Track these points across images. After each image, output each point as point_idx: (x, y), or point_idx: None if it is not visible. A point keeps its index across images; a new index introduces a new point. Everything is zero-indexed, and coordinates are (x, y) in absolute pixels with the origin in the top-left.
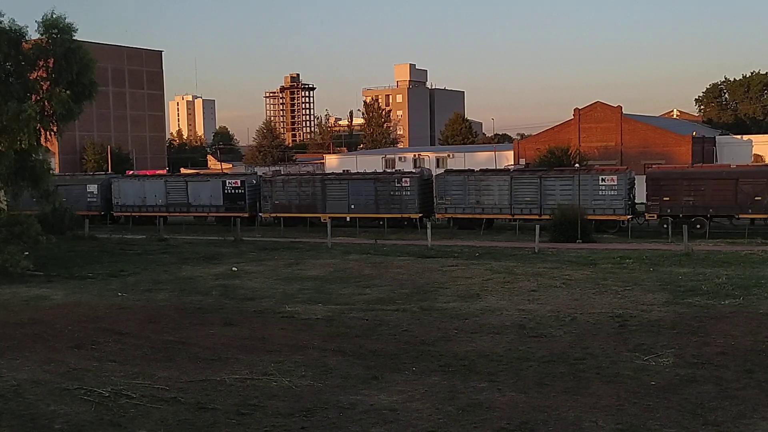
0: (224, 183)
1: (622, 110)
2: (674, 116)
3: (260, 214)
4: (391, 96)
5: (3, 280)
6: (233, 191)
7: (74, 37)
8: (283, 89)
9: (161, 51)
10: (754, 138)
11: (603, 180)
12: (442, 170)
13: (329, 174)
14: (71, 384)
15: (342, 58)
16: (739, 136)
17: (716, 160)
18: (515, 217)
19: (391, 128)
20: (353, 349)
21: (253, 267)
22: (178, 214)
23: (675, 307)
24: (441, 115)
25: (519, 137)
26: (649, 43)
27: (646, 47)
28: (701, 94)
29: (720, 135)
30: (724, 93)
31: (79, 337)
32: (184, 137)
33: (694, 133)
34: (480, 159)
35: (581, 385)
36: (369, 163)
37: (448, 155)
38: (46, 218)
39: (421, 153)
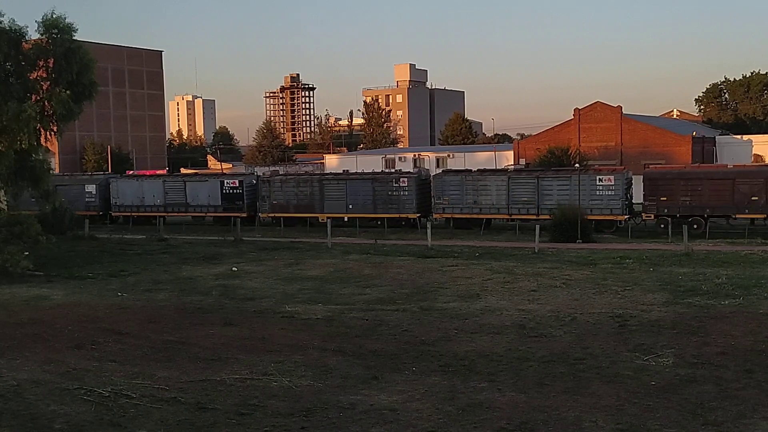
0: (222, 183)
1: (622, 110)
2: (674, 116)
3: (258, 214)
4: (391, 96)
5: (3, 280)
6: (231, 191)
7: (74, 37)
8: (283, 89)
9: (161, 51)
10: (754, 138)
11: (600, 180)
12: (441, 170)
13: (327, 174)
14: (71, 384)
15: (342, 58)
16: (739, 136)
17: (716, 160)
18: (513, 217)
19: (391, 128)
20: (353, 349)
21: (253, 267)
22: (176, 214)
23: (675, 307)
24: (441, 115)
25: (519, 137)
26: (649, 43)
27: (646, 47)
28: (701, 94)
29: (720, 135)
30: (724, 93)
31: (79, 337)
32: (184, 137)
33: (694, 133)
34: (480, 159)
35: (581, 385)
36: (369, 163)
37: (448, 155)
38: (46, 218)
39: (421, 153)
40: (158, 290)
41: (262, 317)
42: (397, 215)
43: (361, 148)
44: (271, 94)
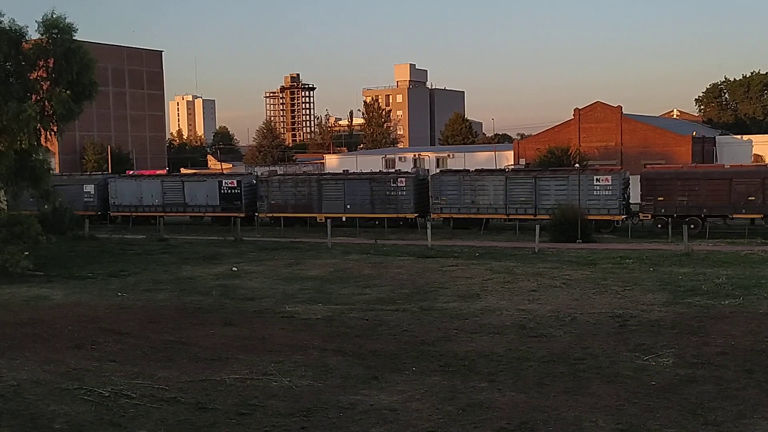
0: (220, 183)
1: (622, 110)
2: (674, 116)
3: (257, 214)
4: (391, 96)
5: (3, 280)
6: (229, 191)
7: (74, 37)
8: (283, 89)
9: (161, 51)
10: (754, 138)
11: (597, 180)
12: (439, 170)
13: (325, 174)
14: (71, 384)
15: (342, 58)
16: (739, 136)
17: (716, 160)
18: (510, 217)
19: (391, 128)
20: (353, 349)
21: (253, 267)
22: (174, 214)
23: (675, 307)
24: (441, 115)
25: (519, 137)
26: (649, 43)
27: (646, 47)
28: (701, 94)
29: (720, 135)
30: (724, 93)
31: (79, 337)
32: (184, 137)
33: (694, 133)
34: (480, 159)
35: (581, 385)
36: (369, 163)
37: (448, 155)
38: (46, 218)
39: (421, 153)
40: (158, 290)
41: (262, 317)
42: (395, 215)
43: (361, 148)
44: (271, 94)
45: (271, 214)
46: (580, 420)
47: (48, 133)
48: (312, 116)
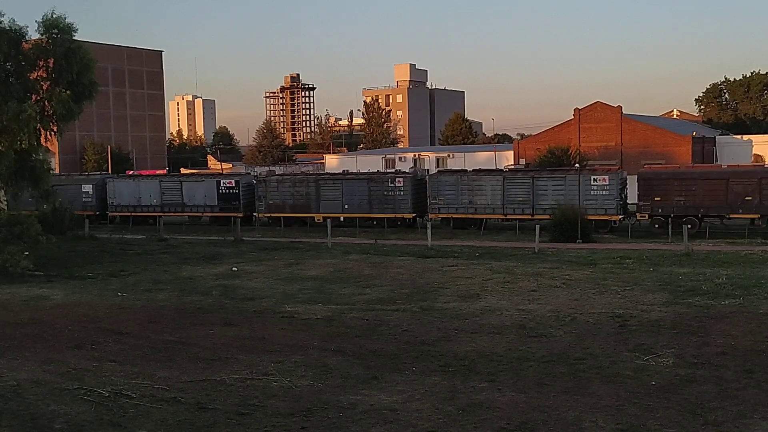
0: (218, 183)
1: (622, 110)
2: (674, 116)
3: (255, 214)
4: (391, 96)
5: (3, 280)
6: (228, 191)
7: (74, 37)
8: (283, 89)
9: (161, 51)
10: (754, 138)
11: (595, 180)
12: (437, 170)
13: (323, 174)
14: (71, 384)
15: (342, 58)
16: (739, 136)
17: (716, 160)
18: (508, 217)
19: (391, 128)
20: (353, 349)
21: (253, 267)
22: (172, 214)
23: (675, 307)
24: (441, 115)
25: (519, 137)
26: (649, 43)
27: (646, 47)
28: (701, 94)
29: (720, 135)
30: (724, 93)
31: (79, 337)
32: (184, 137)
33: (694, 133)
34: (480, 159)
35: (581, 385)
36: (369, 163)
37: (448, 155)
38: (46, 218)
39: (421, 153)
40: (158, 290)
41: (262, 317)
42: (392, 215)
43: (361, 148)
44: (271, 94)
45: (269, 214)
46: (580, 420)
47: (48, 133)
48: (312, 116)
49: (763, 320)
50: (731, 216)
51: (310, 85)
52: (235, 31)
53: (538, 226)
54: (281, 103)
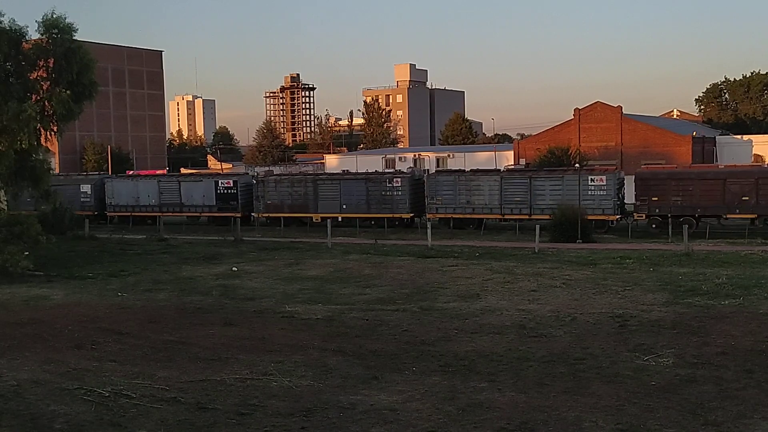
0: (217, 183)
1: (622, 110)
2: (674, 116)
3: (253, 214)
4: (391, 96)
5: (3, 280)
6: (226, 191)
7: (74, 37)
8: (283, 89)
9: (161, 51)
10: (755, 138)
11: (592, 180)
12: (435, 170)
13: (321, 174)
14: (71, 384)
15: (342, 58)
16: (739, 136)
17: (716, 161)
18: (505, 217)
19: (391, 128)
20: (353, 349)
21: (253, 267)
22: (171, 214)
23: (675, 307)
24: (441, 115)
25: (519, 137)
26: (649, 43)
27: (646, 47)
28: (701, 94)
29: (720, 135)
30: (724, 93)
31: (79, 337)
32: (185, 137)
33: (694, 133)
34: (480, 159)
35: (581, 385)
36: (369, 163)
37: (449, 155)
38: (46, 218)
39: (422, 153)
40: (158, 290)
41: (262, 317)
42: (390, 215)
43: (361, 148)
44: (271, 94)
45: (267, 214)
46: (580, 420)
47: (48, 133)
48: (312, 116)
49: (763, 320)
50: (728, 216)
51: (310, 85)
52: (235, 31)
53: (538, 226)
54: (281, 103)
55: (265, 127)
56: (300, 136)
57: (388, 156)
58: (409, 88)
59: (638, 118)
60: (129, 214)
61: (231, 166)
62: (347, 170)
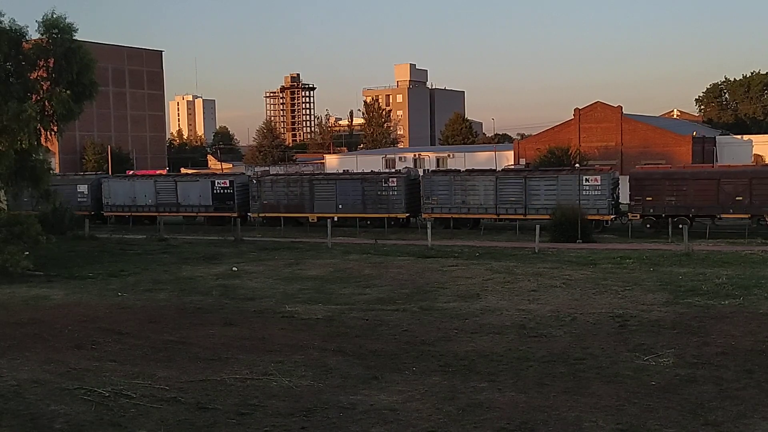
0: (213, 183)
1: (622, 110)
2: (674, 116)
3: (249, 214)
4: (391, 96)
5: (3, 280)
6: (222, 191)
7: (74, 37)
8: (283, 89)
9: (161, 51)
10: (755, 138)
11: (587, 180)
12: (430, 170)
13: (317, 174)
14: (71, 384)
15: (342, 58)
16: (739, 136)
17: (716, 160)
18: (500, 217)
19: (391, 128)
20: (353, 349)
21: (254, 267)
22: (167, 214)
23: (675, 307)
24: (441, 115)
25: (519, 137)
26: (649, 43)
27: (646, 47)
28: (701, 94)
29: (720, 135)
30: (724, 93)
31: (79, 337)
32: (185, 137)
33: (694, 133)
34: (480, 159)
35: (581, 385)
36: (369, 163)
37: (449, 155)
38: (46, 218)
39: (422, 153)
40: (158, 290)
41: (262, 317)
42: (386, 215)
43: (361, 148)
44: (271, 94)
45: (263, 214)
46: (580, 420)
47: (48, 133)
48: (312, 116)
49: (763, 320)
50: (722, 216)
51: (310, 85)
52: (235, 31)
53: (538, 226)
54: (281, 103)
55: (265, 127)
56: (300, 136)
57: (388, 156)
58: (409, 88)
59: (638, 118)
60: (126, 214)
61: (231, 166)
62: (348, 170)
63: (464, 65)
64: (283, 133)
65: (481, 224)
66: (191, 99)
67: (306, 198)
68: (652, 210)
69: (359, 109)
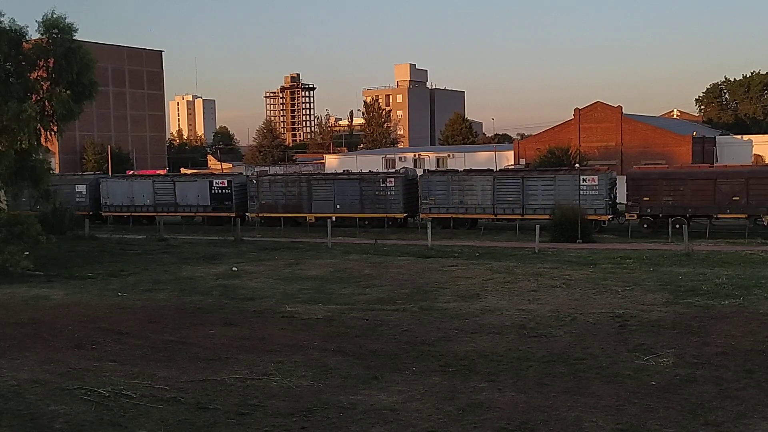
0: (211, 183)
1: (622, 110)
2: (674, 116)
3: (247, 214)
4: (391, 96)
5: (3, 280)
6: (220, 191)
7: (74, 37)
8: (283, 89)
9: (161, 51)
10: (755, 138)
11: (584, 180)
12: (428, 170)
13: (315, 174)
14: (71, 384)
15: (342, 58)
16: (739, 136)
17: (716, 161)
18: (498, 216)
19: (391, 128)
20: (353, 349)
21: (254, 267)
22: (165, 214)
23: (675, 307)
24: (441, 115)
25: (519, 137)
26: (649, 43)
27: (646, 47)
28: (701, 94)
29: (720, 135)
30: (724, 93)
31: (79, 337)
32: (185, 137)
33: (694, 133)
34: (480, 159)
35: (581, 385)
36: (369, 163)
37: (449, 155)
38: (46, 218)
39: (422, 153)
40: (158, 290)
41: (262, 317)
42: (384, 215)
43: (362, 148)
44: (271, 94)
45: (261, 214)
46: (580, 420)
47: (48, 133)
48: (312, 116)
49: (763, 320)
50: (719, 216)
51: (310, 85)
52: (235, 31)
53: (538, 226)
54: (281, 103)
55: (265, 127)
56: (300, 136)
57: (388, 156)
58: (409, 88)
59: (638, 118)
60: (124, 214)
61: (231, 166)
62: (347, 170)
63: (464, 65)
64: (283, 133)
65: (481, 225)
66: (191, 99)
67: (304, 198)
68: (649, 210)
69: (359, 109)
